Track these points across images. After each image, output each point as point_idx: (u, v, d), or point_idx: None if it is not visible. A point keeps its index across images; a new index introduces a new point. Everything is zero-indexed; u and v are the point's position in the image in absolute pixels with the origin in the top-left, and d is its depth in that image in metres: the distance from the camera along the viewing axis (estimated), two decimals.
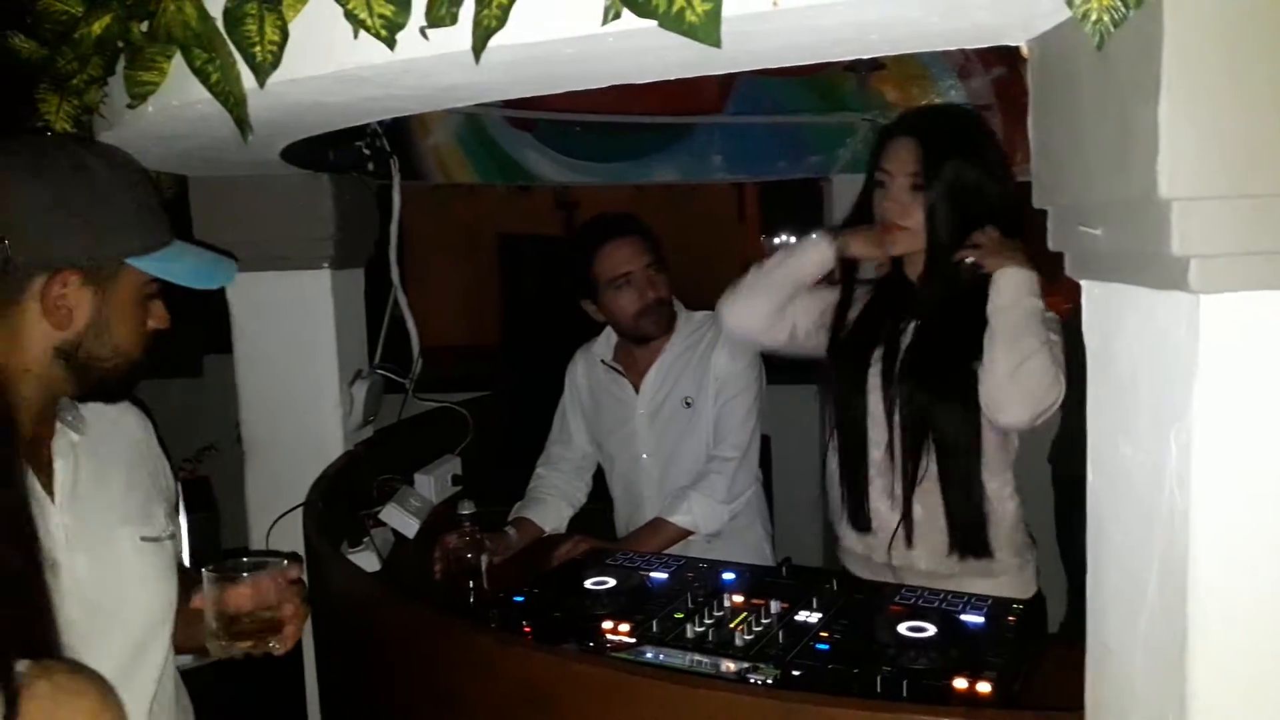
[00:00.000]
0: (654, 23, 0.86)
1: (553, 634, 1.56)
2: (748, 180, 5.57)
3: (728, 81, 3.13)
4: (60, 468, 1.20)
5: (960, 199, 1.73)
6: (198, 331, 4.68)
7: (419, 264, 2.44)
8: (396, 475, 2.43)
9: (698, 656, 1.46)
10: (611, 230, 2.30)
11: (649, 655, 1.49)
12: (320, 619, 1.81)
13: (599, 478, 2.51)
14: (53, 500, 1.17)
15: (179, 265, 1.23)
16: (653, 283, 2.26)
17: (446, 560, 1.97)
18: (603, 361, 2.43)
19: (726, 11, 0.83)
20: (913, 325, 1.84)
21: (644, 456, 2.37)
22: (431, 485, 2.42)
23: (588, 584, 1.72)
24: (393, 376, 2.51)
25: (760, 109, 3.29)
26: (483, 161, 3.19)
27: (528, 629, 1.58)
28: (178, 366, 4.13)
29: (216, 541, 2.08)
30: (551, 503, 2.37)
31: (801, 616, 1.55)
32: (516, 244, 7.21)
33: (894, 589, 1.66)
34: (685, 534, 2.16)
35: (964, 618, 1.51)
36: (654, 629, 1.54)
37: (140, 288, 1.21)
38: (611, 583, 1.72)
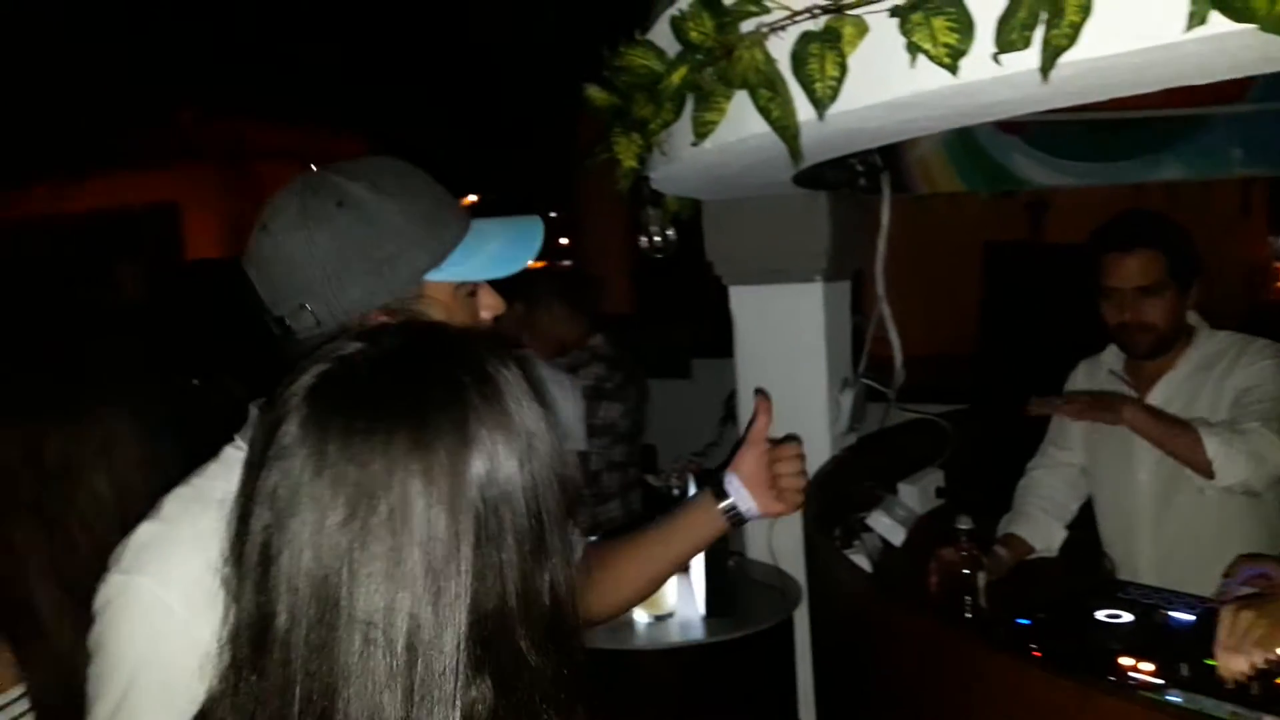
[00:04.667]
0: (1239, 25, 0.81)
1: (1063, 663, 1.49)
2: (1270, 174, 4.84)
3: None
4: None
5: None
6: (688, 336, 5.15)
7: (896, 273, 2.46)
8: (878, 483, 2.47)
9: (1238, 709, 1.32)
10: (1121, 240, 2.14)
11: (1177, 700, 1.38)
12: (819, 611, 1.91)
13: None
14: None
15: (478, 259, 1.11)
16: (1136, 307, 2.06)
17: (942, 574, 1.97)
18: (1110, 371, 2.27)
19: None
20: None
21: (1140, 475, 2.17)
22: (916, 495, 2.43)
23: (1100, 615, 1.62)
24: (875, 386, 2.57)
25: None
26: (968, 169, 3.13)
27: (1036, 653, 1.54)
28: (670, 369, 4.55)
29: None
30: (1042, 520, 2.26)
31: None
32: (998, 250, 6.94)
33: None
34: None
35: None
36: (1183, 672, 1.41)
37: (452, 293, 1.10)
38: (1128, 617, 1.61)
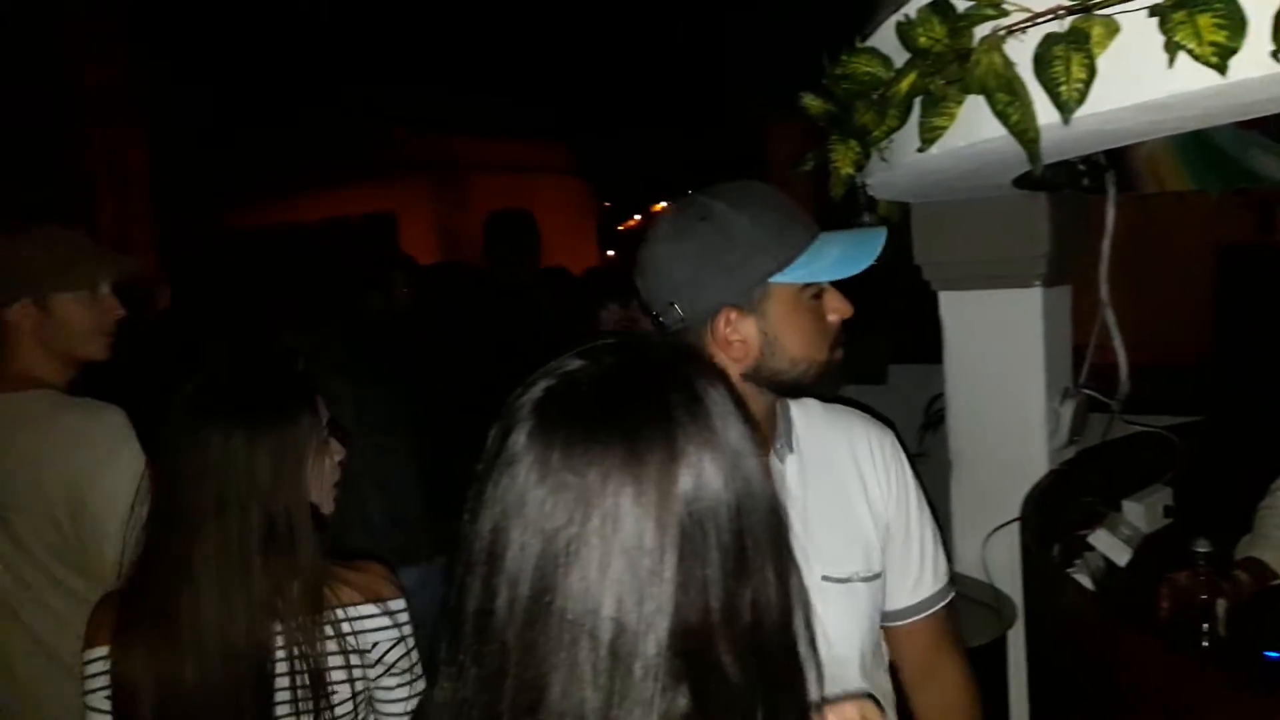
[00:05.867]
0: None
1: None
2: None
3: None
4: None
5: None
6: (884, 342, 5.03)
7: (1121, 278, 2.32)
8: (1100, 499, 2.35)
9: None
10: None
11: None
12: (1037, 632, 1.83)
13: None
14: None
15: (821, 262, 1.25)
16: None
17: (1176, 598, 1.85)
18: None
19: None
20: None
21: None
22: (1142, 514, 2.29)
23: None
24: (1098, 397, 2.43)
25: None
26: (1200, 166, 2.90)
27: None
28: (865, 374, 4.45)
29: None
30: None
31: None
32: (1233, 254, 6.41)
33: None
34: None
35: None
36: None
37: (796, 295, 1.25)
38: None
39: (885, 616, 1.41)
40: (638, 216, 14.68)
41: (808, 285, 1.24)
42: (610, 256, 14.03)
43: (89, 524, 1.67)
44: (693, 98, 11.12)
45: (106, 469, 1.67)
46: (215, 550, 1.34)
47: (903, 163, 1.53)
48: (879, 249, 1.24)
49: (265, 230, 11.76)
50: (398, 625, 1.44)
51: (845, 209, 1.91)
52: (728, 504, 0.74)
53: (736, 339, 1.24)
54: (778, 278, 1.22)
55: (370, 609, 1.42)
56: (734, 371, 1.23)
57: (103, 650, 1.37)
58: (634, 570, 0.71)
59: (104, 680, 1.36)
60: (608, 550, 0.71)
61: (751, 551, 0.75)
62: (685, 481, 0.73)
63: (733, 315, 1.23)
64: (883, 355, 4.60)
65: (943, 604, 1.44)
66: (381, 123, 11.71)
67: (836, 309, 1.27)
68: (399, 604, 1.46)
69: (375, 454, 2.71)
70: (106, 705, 1.36)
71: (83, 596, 1.64)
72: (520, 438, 0.75)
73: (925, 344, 3.03)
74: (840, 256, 1.24)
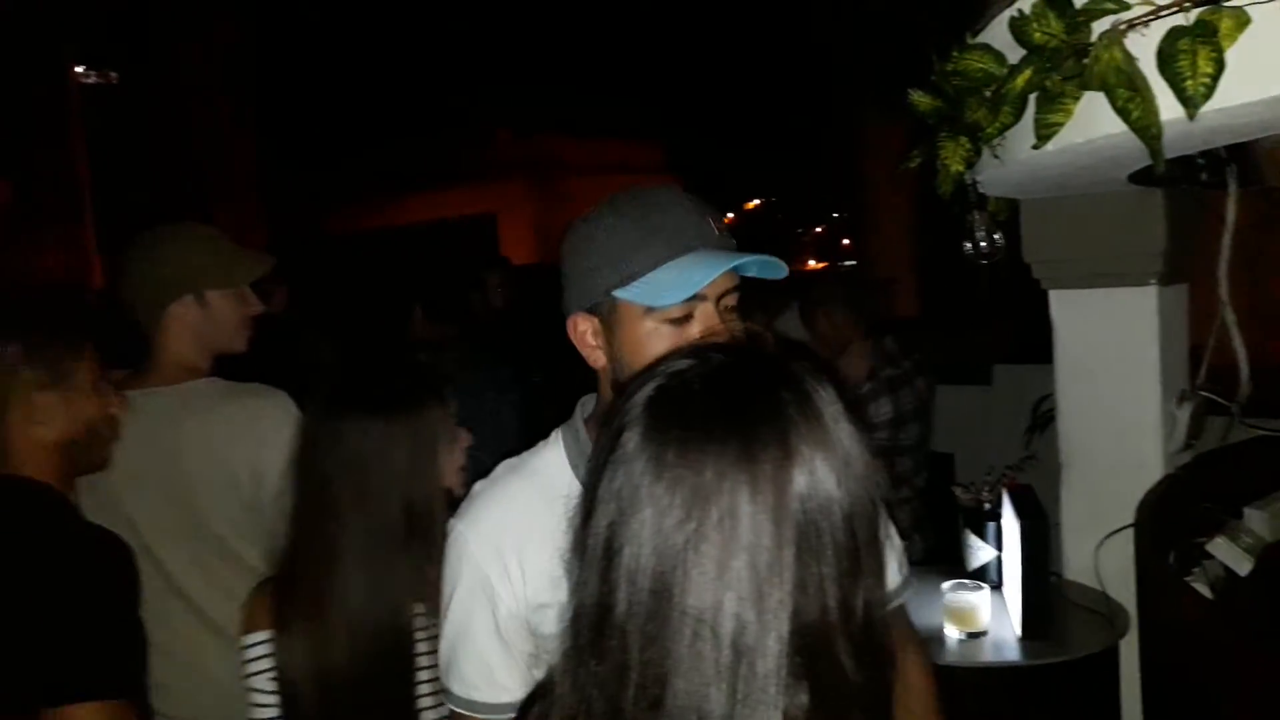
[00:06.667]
0: None
1: None
2: None
3: None
4: None
5: None
6: (989, 341, 4.93)
7: (1241, 276, 2.23)
8: (1219, 506, 2.26)
9: None
10: None
11: None
12: (1152, 642, 1.78)
13: None
14: None
15: (656, 286, 1.12)
16: None
17: None
18: None
19: None
20: None
21: None
22: (1264, 521, 2.19)
23: None
24: (1216, 399, 2.34)
25: None
26: None
27: None
28: (970, 375, 4.37)
29: (1046, 546, 2.16)
30: None
31: None
32: None
33: None
34: None
35: None
36: None
37: (642, 314, 1.13)
38: None
39: None
40: (731, 215, 14.66)
41: (653, 309, 1.12)
42: None
43: (269, 496, 1.75)
44: (789, 96, 11.04)
45: (285, 446, 1.76)
46: (361, 538, 1.41)
47: (1015, 159, 1.51)
48: (712, 274, 1.09)
49: (370, 233, 12.14)
50: None
51: (954, 206, 1.89)
52: (840, 504, 0.74)
53: (585, 346, 1.19)
54: (620, 293, 1.13)
55: None
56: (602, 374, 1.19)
57: (264, 634, 1.44)
58: (753, 567, 0.71)
59: (266, 664, 1.43)
60: (727, 547, 0.71)
61: (863, 552, 0.76)
62: (800, 481, 0.73)
63: (580, 322, 1.18)
64: (987, 355, 4.50)
65: (906, 595, 1.41)
66: (485, 125, 11.98)
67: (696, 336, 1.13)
68: None
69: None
70: (270, 687, 1.43)
71: (250, 565, 1.74)
72: (633, 436, 0.76)
73: (1031, 344, 2.96)
74: (669, 281, 1.11)
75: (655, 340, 1.12)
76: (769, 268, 1.15)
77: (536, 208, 12.18)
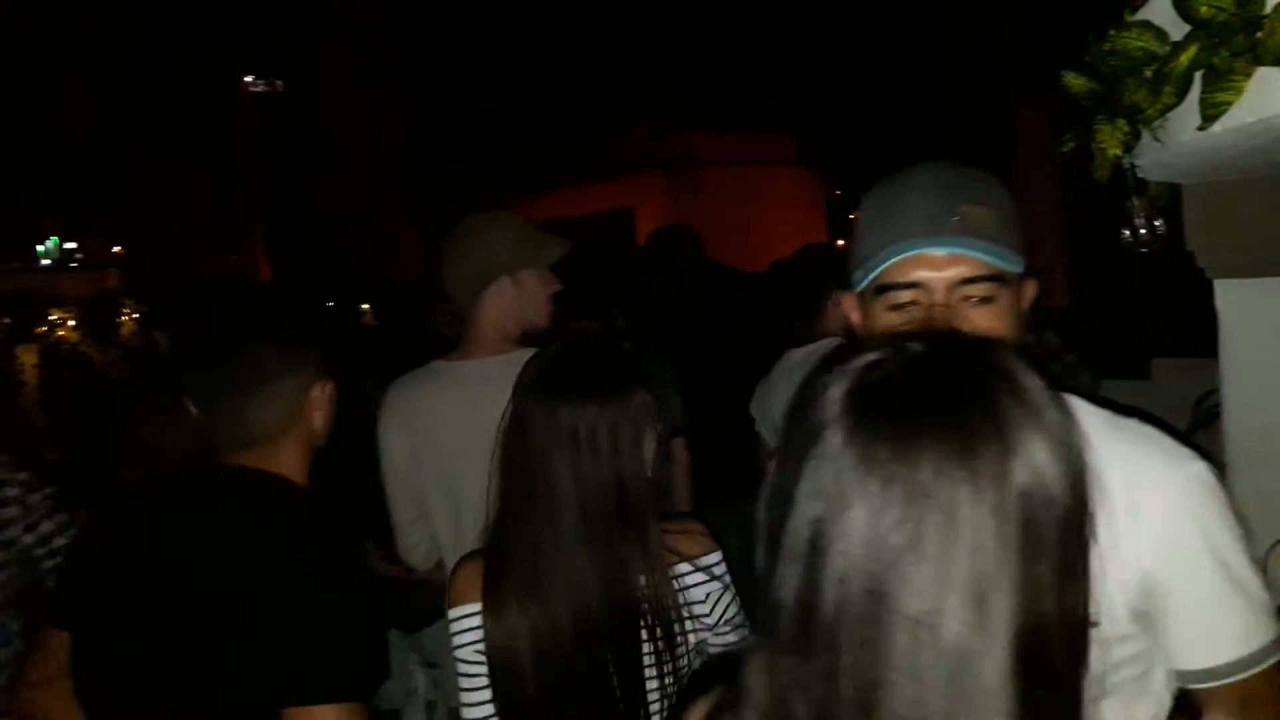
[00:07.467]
0: None
1: None
2: None
3: None
4: None
5: None
6: (1147, 334, 4.69)
7: None
8: None
9: None
10: None
11: None
12: None
13: None
14: None
15: (862, 271, 1.25)
16: None
17: None
18: None
19: None
20: None
21: None
22: None
23: None
24: None
25: None
26: None
27: None
28: (1127, 369, 4.16)
29: None
30: None
31: None
32: None
33: None
34: None
35: None
36: None
37: (867, 301, 1.25)
38: None
39: None
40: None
41: (877, 293, 1.22)
42: (841, 246, 13.86)
43: None
44: (928, 84, 10.75)
45: None
46: (577, 518, 1.45)
47: (1179, 141, 1.44)
48: (887, 262, 1.18)
49: None
50: (721, 579, 1.54)
51: (1111, 192, 1.82)
52: (1060, 499, 0.70)
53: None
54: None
55: (705, 560, 1.53)
56: None
57: (473, 607, 1.49)
58: (976, 569, 0.68)
59: (475, 635, 1.48)
60: (948, 547, 0.68)
61: (1080, 550, 0.72)
62: (1021, 475, 0.69)
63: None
64: (1145, 348, 4.28)
65: None
66: (620, 124, 12.16)
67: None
68: (718, 557, 1.56)
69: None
70: (478, 658, 1.47)
71: None
72: (838, 431, 0.73)
73: (1192, 336, 2.81)
74: (868, 267, 1.23)
75: (879, 324, 1.20)
76: (999, 257, 1.16)
77: (672, 201, 12.28)
